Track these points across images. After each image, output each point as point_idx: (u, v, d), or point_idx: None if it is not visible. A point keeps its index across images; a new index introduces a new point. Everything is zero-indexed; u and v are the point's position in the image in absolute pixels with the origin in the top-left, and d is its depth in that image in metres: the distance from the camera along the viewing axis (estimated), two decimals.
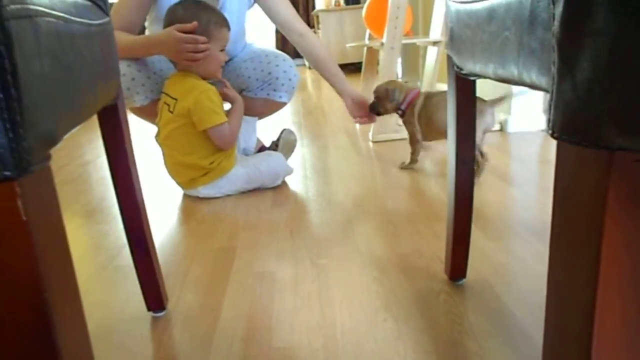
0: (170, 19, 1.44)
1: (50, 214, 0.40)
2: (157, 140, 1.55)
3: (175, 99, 1.44)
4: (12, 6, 0.34)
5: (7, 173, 0.34)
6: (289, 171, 1.65)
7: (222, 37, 1.46)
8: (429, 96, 1.65)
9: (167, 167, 1.56)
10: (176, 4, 1.46)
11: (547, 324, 0.47)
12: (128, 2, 1.57)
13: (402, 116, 1.70)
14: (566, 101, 0.36)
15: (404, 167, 1.72)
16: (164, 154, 1.55)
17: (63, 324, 0.39)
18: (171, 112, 1.45)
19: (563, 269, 0.43)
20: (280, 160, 1.60)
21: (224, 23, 1.47)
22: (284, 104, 1.84)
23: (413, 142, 1.69)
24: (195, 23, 1.39)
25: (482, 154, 1.48)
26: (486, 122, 1.46)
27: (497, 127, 2.15)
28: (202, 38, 1.40)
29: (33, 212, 0.36)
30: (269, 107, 1.83)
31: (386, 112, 1.70)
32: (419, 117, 1.64)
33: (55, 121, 0.41)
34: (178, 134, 1.47)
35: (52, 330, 0.38)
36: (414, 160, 1.71)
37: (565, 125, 0.36)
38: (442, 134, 1.58)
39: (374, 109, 1.70)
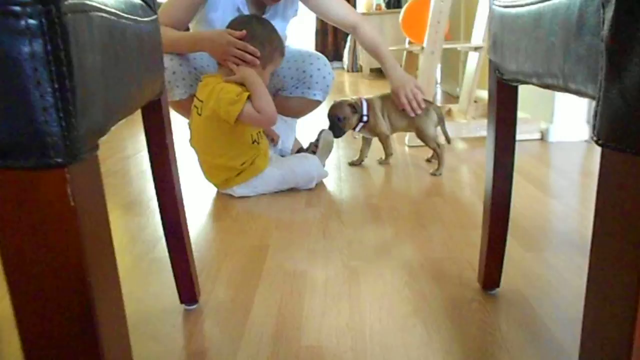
0: (249, 35, 1.45)
1: (96, 201, 0.42)
2: (191, 144, 1.58)
3: (202, 102, 1.47)
4: (70, 0, 0.35)
5: (59, 160, 0.35)
6: (324, 174, 1.66)
7: (278, 63, 1.55)
8: (383, 97, 1.78)
9: (202, 169, 1.59)
10: (255, 22, 1.50)
11: (584, 340, 0.45)
12: (179, 1, 1.61)
13: (366, 122, 1.75)
14: (613, 107, 0.35)
15: (381, 162, 1.87)
16: (198, 157, 1.58)
17: (103, 308, 0.40)
18: (199, 115, 1.47)
19: (602, 282, 0.42)
20: (315, 164, 1.61)
21: (284, 51, 1.55)
22: (319, 102, 1.85)
23: (383, 139, 1.81)
24: (244, 32, 1.43)
25: (439, 144, 1.72)
26: (433, 119, 1.71)
27: (537, 135, 2.10)
28: (251, 48, 1.43)
29: (80, 198, 0.38)
30: (304, 105, 1.85)
31: (350, 127, 1.76)
32: (383, 116, 1.76)
33: (104, 112, 0.42)
34: (208, 138, 1.50)
35: (93, 313, 0.39)
36: (389, 154, 1.86)
37: (611, 132, 0.36)
38: (404, 128, 1.80)
39: (337, 133, 1.74)
